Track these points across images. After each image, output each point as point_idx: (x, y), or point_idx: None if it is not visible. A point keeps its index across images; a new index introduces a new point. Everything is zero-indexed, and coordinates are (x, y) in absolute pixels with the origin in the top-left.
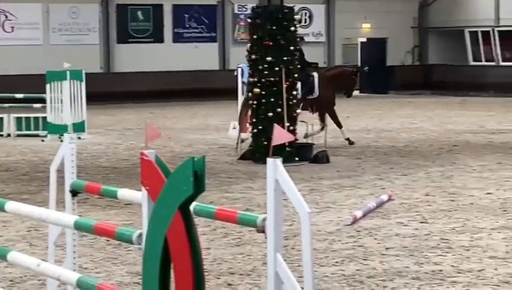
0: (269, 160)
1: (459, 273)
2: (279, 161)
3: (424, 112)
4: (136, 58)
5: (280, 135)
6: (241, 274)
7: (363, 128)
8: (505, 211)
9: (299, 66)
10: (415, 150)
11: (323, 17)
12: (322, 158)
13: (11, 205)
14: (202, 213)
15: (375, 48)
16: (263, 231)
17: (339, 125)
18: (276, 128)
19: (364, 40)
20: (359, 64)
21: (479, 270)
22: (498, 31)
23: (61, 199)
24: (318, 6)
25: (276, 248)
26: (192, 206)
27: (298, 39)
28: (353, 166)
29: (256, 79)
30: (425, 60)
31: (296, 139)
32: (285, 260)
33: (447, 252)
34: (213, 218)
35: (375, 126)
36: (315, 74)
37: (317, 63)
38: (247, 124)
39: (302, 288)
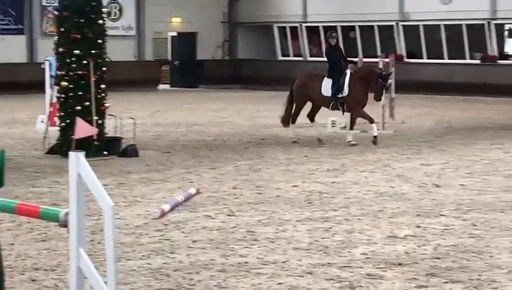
0: (71, 154)
1: (264, 264)
2: (81, 155)
3: (234, 106)
4: None
5: (82, 129)
6: (46, 270)
7: (173, 122)
8: (309, 203)
9: (332, 63)
10: (224, 143)
11: (134, 11)
12: (131, 152)
13: None
14: (3, 208)
15: (186, 42)
16: (66, 226)
17: (370, 120)
18: (79, 121)
19: (174, 34)
20: (169, 58)
21: (283, 262)
22: (306, 27)
23: None
24: (128, 0)
25: (79, 242)
26: None
27: (332, 33)
28: (162, 160)
29: (64, 72)
30: (235, 55)
31: (104, 133)
32: (90, 255)
33: (253, 245)
34: (14, 213)
35: (185, 120)
36: (348, 72)
37: (354, 62)
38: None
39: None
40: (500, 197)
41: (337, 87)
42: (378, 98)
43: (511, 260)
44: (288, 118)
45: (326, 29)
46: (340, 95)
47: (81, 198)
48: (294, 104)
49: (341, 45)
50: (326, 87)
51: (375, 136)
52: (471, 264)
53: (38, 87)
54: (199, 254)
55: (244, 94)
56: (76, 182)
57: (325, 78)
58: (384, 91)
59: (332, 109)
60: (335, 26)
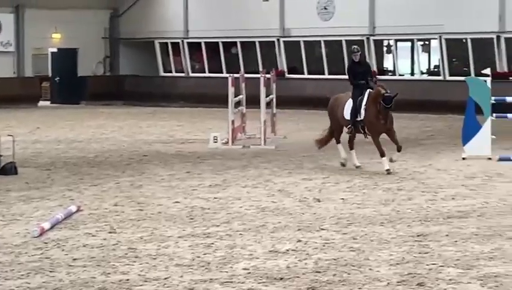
0: None
1: (146, 281)
2: None
3: (116, 123)
4: None
5: None
6: None
7: (54, 139)
8: (192, 219)
9: (356, 83)
10: (106, 160)
11: (13, 26)
12: (9, 170)
13: None
14: None
15: (66, 58)
16: None
17: (381, 153)
18: None
19: (55, 50)
20: (50, 74)
21: (165, 278)
22: (187, 42)
23: None
24: (7, 15)
25: None
26: None
27: (354, 49)
28: (42, 177)
29: None
30: (117, 71)
31: None
32: None
33: (134, 261)
34: None
35: (66, 137)
36: (366, 93)
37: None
38: None
39: None
40: (379, 211)
41: (354, 110)
42: (384, 123)
43: (390, 273)
44: (323, 139)
45: (209, 45)
46: (358, 118)
47: None
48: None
49: (368, 60)
50: (347, 109)
51: (387, 170)
52: (351, 277)
53: None
54: (79, 272)
55: (126, 110)
56: None
57: (349, 100)
58: (385, 113)
59: (352, 133)
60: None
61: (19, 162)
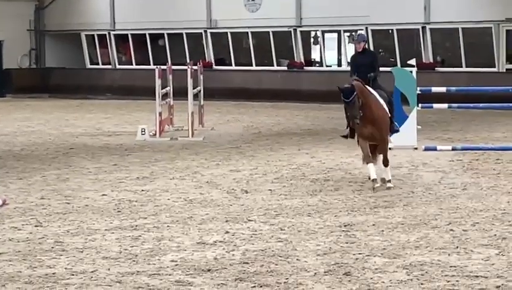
0: None
1: (73, 275)
2: None
3: (42, 115)
4: None
5: None
6: None
7: None
8: (119, 211)
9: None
10: (32, 153)
11: None
12: None
13: None
14: None
15: None
16: None
17: (364, 160)
18: None
19: None
20: None
21: (92, 271)
22: (114, 34)
23: None
24: None
25: None
26: None
27: (353, 37)
28: None
29: None
30: (43, 63)
31: None
32: None
33: (61, 255)
34: None
35: None
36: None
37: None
38: None
39: None
40: (307, 201)
41: None
42: (363, 126)
43: (317, 263)
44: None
45: (135, 37)
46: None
47: None
48: None
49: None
50: None
51: (373, 180)
52: (279, 267)
53: None
54: (5, 266)
55: (52, 103)
56: None
57: None
58: (353, 112)
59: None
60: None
61: None
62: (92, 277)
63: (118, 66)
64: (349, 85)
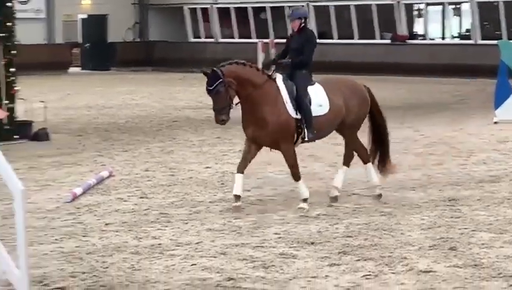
0: None
1: (178, 246)
2: None
3: (146, 89)
4: None
5: None
6: None
7: (84, 105)
8: (222, 184)
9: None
10: (136, 126)
11: None
12: (42, 136)
13: None
14: None
15: (96, 24)
16: None
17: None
18: None
19: (85, 16)
20: (80, 41)
21: (197, 243)
22: (216, 8)
23: None
24: None
25: None
26: None
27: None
28: (74, 143)
29: None
30: (147, 37)
31: (15, 117)
32: (2, 240)
33: (166, 226)
34: None
35: (96, 103)
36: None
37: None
38: None
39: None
40: (410, 176)
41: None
42: (246, 126)
43: (422, 237)
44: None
45: (237, 10)
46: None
47: None
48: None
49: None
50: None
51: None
52: (383, 241)
53: None
54: (112, 237)
55: (155, 76)
56: None
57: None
58: (215, 104)
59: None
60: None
61: (50, 129)
62: (196, 248)
63: (220, 40)
64: (217, 69)
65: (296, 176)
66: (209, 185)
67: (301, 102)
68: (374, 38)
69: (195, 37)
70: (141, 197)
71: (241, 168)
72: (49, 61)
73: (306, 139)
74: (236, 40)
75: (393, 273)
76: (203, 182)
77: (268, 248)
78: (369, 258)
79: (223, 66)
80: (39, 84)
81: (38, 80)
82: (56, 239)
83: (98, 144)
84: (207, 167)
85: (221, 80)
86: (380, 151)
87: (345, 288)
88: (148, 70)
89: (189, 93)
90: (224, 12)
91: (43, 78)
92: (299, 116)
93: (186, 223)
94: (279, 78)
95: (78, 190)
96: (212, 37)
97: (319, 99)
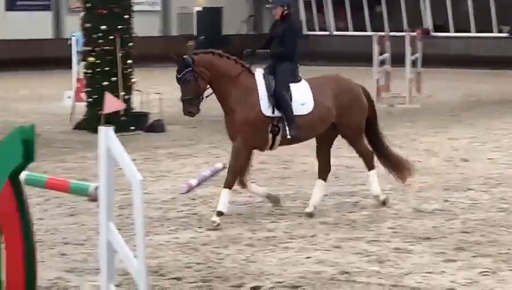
0: (101, 128)
1: (292, 238)
2: (111, 130)
3: None
4: None
5: (111, 104)
6: (75, 244)
7: None
8: (336, 177)
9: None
10: None
11: None
12: (158, 127)
13: None
14: (34, 182)
15: (211, 17)
16: (95, 200)
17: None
18: (107, 96)
19: (200, 9)
20: (195, 33)
21: (311, 236)
22: (331, 0)
23: None
24: None
25: (108, 216)
26: (23, 176)
27: None
28: (189, 135)
29: (90, 48)
30: (261, 29)
31: (131, 108)
32: (119, 230)
33: (280, 219)
34: (44, 187)
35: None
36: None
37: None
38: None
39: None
40: None
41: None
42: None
43: None
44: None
45: (352, 2)
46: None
47: (110, 173)
48: None
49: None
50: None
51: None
52: (501, 238)
53: (64, 63)
54: (227, 229)
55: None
56: (106, 157)
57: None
58: (183, 93)
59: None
60: None
61: (166, 120)
62: (311, 242)
63: (334, 32)
64: (188, 57)
65: (229, 182)
66: None
67: (280, 97)
68: (491, 31)
69: (309, 30)
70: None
71: (242, 180)
72: (164, 53)
73: (288, 136)
74: (351, 32)
75: (511, 270)
76: (316, 175)
77: (383, 243)
78: (486, 254)
79: (196, 54)
80: (154, 76)
81: (154, 72)
82: (171, 230)
83: (212, 136)
84: None
85: (190, 68)
86: (383, 156)
87: (461, 284)
88: (260, 63)
89: None
90: (338, 5)
91: (158, 70)
92: (275, 115)
93: (300, 216)
94: (259, 71)
95: (194, 181)
96: (326, 30)
97: (301, 97)
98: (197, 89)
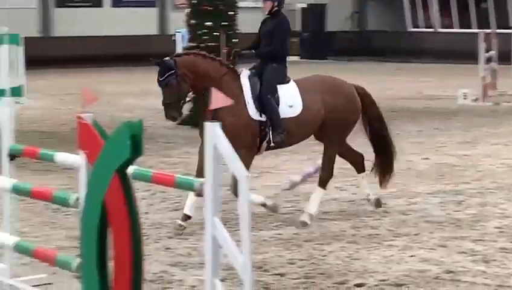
0: (207, 124)
1: (396, 236)
2: (217, 126)
3: (362, 78)
4: (75, 22)
5: (218, 99)
6: (179, 238)
7: None
8: (441, 175)
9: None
10: None
11: None
12: None
13: None
14: (140, 177)
15: (315, 13)
16: (200, 195)
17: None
18: (214, 93)
19: (304, 5)
20: (298, 29)
21: (415, 234)
22: None
23: None
24: None
25: (214, 212)
26: (130, 171)
27: None
28: None
29: (195, 44)
30: (364, 26)
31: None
32: (224, 224)
33: (384, 216)
34: (151, 182)
35: None
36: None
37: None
38: None
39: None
40: None
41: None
42: None
43: None
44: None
45: None
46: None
47: (217, 168)
48: None
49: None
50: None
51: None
52: None
53: None
54: (330, 225)
55: (372, 66)
56: (212, 153)
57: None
58: (165, 98)
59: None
60: None
61: None
62: (415, 240)
63: (439, 30)
64: (170, 59)
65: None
66: (427, 176)
67: (265, 100)
68: None
69: (414, 27)
70: (359, 187)
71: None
72: None
73: (272, 143)
74: (456, 30)
75: None
76: (420, 173)
77: (489, 242)
78: None
79: (179, 56)
80: None
81: None
82: (275, 226)
83: None
84: (425, 158)
85: (172, 71)
86: (383, 164)
87: None
88: (364, 60)
89: (406, 83)
90: (444, 1)
91: None
92: (263, 118)
93: (404, 214)
94: (244, 73)
95: (297, 178)
96: (431, 27)
97: (289, 99)
98: (179, 93)
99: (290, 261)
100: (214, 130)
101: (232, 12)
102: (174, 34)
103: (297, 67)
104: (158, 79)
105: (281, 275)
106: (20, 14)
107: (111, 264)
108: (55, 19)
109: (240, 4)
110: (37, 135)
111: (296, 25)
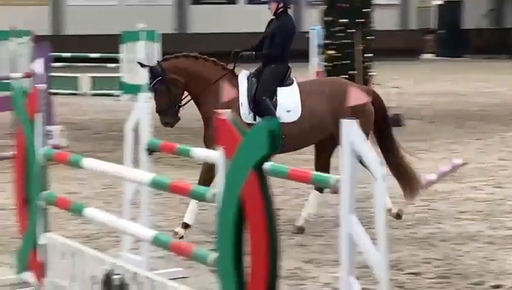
0: (344, 121)
1: None
2: (354, 123)
3: (500, 76)
4: (209, 19)
5: (356, 97)
6: (313, 235)
7: (437, 92)
8: None
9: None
10: (490, 114)
11: None
12: (396, 121)
13: (88, 162)
14: (276, 173)
15: (451, 10)
16: (336, 192)
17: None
18: (353, 90)
19: (440, 2)
20: (433, 27)
21: None
22: None
23: (135, 158)
24: None
25: (350, 209)
26: (266, 167)
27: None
28: (427, 129)
29: (330, 41)
30: (502, 24)
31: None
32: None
33: None
34: (287, 178)
35: (450, 90)
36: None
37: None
38: None
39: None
40: None
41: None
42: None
43: None
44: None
45: None
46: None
47: (353, 166)
48: None
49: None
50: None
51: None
52: None
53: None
54: (466, 225)
55: (510, 64)
56: (349, 150)
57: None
58: (157, 104)
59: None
60: None
61: (404, 114)
62: None
63: None
64: (156, 65)
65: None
66: None
67: (260, 100)
68: None
69: None
70: (495, 187)
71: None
72: (402, 47)
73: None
74: None
75: None
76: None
77: None
78: None
79: (166, 60)
80: (394, 69)
81: (391, 65)
82: (409, 225)
83: (450, 131)
84: None
85: (160, 77)
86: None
87: None
88: (502, 58)
89: None
90: None
91: (395, 64)
92: (255, 122)
93: None
94: (243, 74)
95: (432, 177)
96: None
97: (287, 104)
98: (171, 98)
99: (425, 260)
100: (350, 127)
101: (368, 10)
102: (308, 32)
103: (434, 66)
104: (148, 85)
105: (416, 274)
106: (156, 11)
107: (247, 259)
108: (190, 15)
109: (375, 1)
110: (170, 130)
111: (432, 22)
